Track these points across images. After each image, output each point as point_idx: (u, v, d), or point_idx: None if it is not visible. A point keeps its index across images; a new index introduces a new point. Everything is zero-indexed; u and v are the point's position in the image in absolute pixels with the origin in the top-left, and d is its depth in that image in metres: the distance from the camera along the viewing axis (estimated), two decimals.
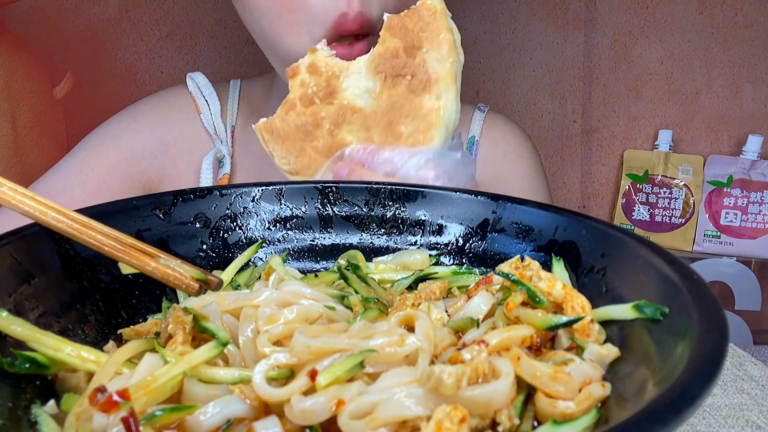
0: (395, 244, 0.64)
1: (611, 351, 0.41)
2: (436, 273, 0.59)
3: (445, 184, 0.74)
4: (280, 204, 0.65)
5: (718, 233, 1.62)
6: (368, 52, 0.83)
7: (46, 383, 0.43)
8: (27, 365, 0.42)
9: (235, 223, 0.63)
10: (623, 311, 0.43)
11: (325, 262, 0.64)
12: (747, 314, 1.59)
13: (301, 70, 0.81)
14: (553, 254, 0.52)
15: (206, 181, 1.00)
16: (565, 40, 1.49)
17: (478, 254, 0.60)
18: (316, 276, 0.59)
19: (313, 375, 0.38)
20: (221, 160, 1.04)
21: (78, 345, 0.44)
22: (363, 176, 0.75)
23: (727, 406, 0.70)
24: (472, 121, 1.13)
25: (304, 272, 0.61)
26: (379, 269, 0.61)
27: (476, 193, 0.62)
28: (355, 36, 0.86)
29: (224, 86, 1.11)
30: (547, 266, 0.54)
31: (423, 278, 0.58)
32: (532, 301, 0.45)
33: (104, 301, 0.53)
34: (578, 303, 0.44)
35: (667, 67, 1.57)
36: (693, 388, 0.28)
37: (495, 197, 0.60)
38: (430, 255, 0.62)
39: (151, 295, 0.56)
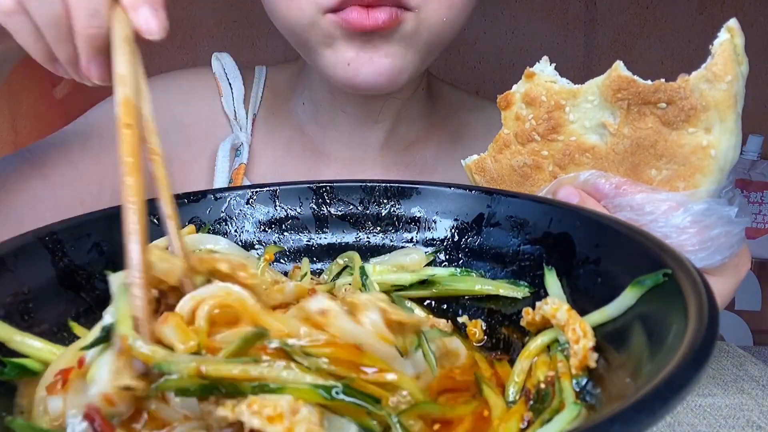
0: (391, 241, 0.64)
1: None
2: (434, 275, 0.58)
3: (707, 256, 0.58)
4: (275, 205, 0.64)
5: None
6: (391, 22, 0.72)
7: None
8: (16, 372, 0.42)
9: (230, 226, 0.63)
10: (623, 300, 0.42)
11: (321, 263, 0.64)
12: (747, 314, 1.59)
13: (516, 99, 0.66)
14: (544, 264, 0.52)
15: (222, 169, 0.94)
16: (565, 40, 1.49)
17: (474, 249, 0.59)
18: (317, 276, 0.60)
19: None
20: (238, 148, 0.97)
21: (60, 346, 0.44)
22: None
23: (727, 406, 0.70)
24: None
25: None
26: (377, 271, 0.60)
27: (470, 188, 0.61)
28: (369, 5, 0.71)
29: (249, 72, 1.04)
30: (541, 261, 0.54)
31: (423, 281, 0.58)
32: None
33: (99, 310, 0.52)
34: (580, 326, 0.43)
35: (667, 67, 1.56)
36: (679, 377, 0.28)
37: (489, 191, 0.60)
38: (426, 253, 0.61)
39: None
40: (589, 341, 0.42)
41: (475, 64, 1.51)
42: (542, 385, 0.43)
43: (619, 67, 0.61)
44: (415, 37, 0.76)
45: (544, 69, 0.65)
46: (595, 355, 0.42)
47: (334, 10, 0.73)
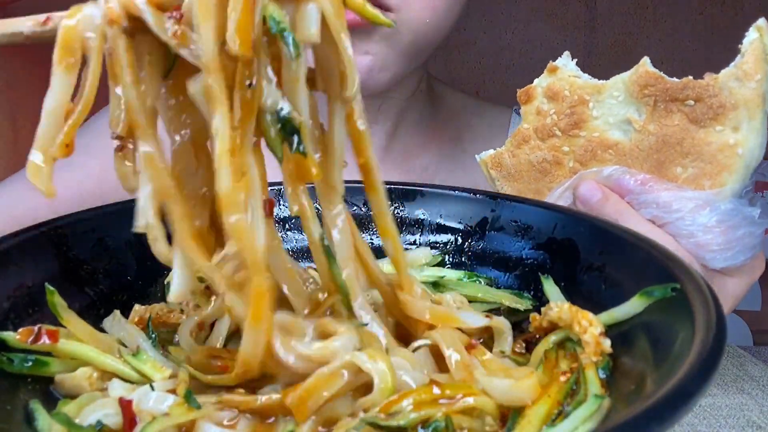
0: None
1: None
2: (444, 277, 0.58)
3: (731, 256, 0.58)
4: (279, 204, 0.64)
5: None
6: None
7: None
8: (26, 364, 0.42)
9: None
10: (629, 307, 0.43)
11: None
12: (747, 314, 1.59)
13: (537, 94, 0.65)
14: (541, 273, 0.53)
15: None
16: (565, 40, 1.49)
17: (477, 253, 0.59)
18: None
19: None
20: None
21: None
22: (620, 211, 0.59)
23: (727, 406, 0.70)
24: (511, 125, 1.06)
25: None
26: (386, 270, 0.60)
27: (475, 192, 0.61)
28: None
29: None
30: (544, 267, 0.54)
31: (432, 283, 0.58)
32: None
33: (102, 305, 0.52)
34: (584, 318, 0.44)
35: (667, 67, 1.56)
36: (689, 385, 0.28)
37: (494, 196, 0.60)
38: (434, 255, 0.61)
39: (152, 298, 0.56)
40: (597, 327, 0.42)
41: (475, 64, 1.51)
42: (566, 375, 0.42)
43: (646, 63, 0.61)
44: (396, 37, 0.76)
45: (566, 64, 0.65)
46: (608, 341, 0.42)
47: None
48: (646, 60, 0.61)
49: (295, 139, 0.39)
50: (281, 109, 0.39)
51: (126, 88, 0.39)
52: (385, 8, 0.74)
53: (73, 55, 0.39)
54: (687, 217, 0.58)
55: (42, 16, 0.41)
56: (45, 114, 0.40)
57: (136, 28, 0.39)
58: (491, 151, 0.68)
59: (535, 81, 0.65)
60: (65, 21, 0.39)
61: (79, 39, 0.39)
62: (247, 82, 0.37)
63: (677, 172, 0.60)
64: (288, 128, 0.39)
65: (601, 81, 0.63)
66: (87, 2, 0.40)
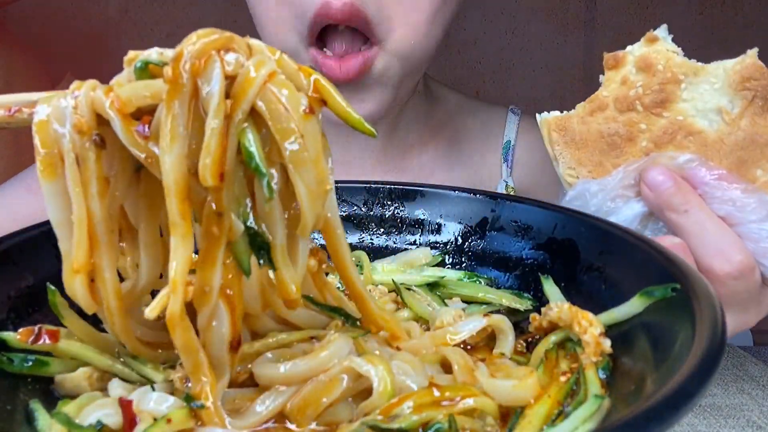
0: (395, 243, 0.64)
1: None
2: (444, 277, 0.59)
3: None
4: None
5: None
6: (363, 70, 0.74)
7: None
8: (26, 364, 0.43)
9: None
10: (629, 307, 0.43)
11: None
12: None
13: (627, 61, 0.61)
14: (541, 273, 0.53)
15: None
16: (565, 40, 1.49)
17: (477, 253, 0.60)
18: None
19: None
20: None
21: None
22: (690, 202, 0.56)
23: (727, 406, 0.70)
24: (507, 124, 1.06)
25: None
26: (386, 270, 0.60)
27: (475, 192, 0.62)
28: (345, 33, 0.76)
29: None
30: (545, 267, 0.54)
31: (432, 283, 0.58)
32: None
33: None
34: (584, 318, 0.44)
35: None
36: (689, 385, 0.28)
37: (494, 195, 0.60)
38: (434, 255, 0.61)
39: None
40: (597, 328, 0.43)
41: (475, 64, 1.51)
42: (567, 376, 0.43)
43: (754, 55, 0.58)
44: (388, 73, 0.79)
45: (666, 37, 0.61)
46: (608, 341, 0.42)
47: (314, 37, 0.76)
48: (754, 51, 0.58)
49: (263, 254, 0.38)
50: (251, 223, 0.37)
51: (90, 199, 0.38)
52: (372, 42, 0.76)
53: (54, 165, 0.38)
54: (760, 222, 0.56)
55: (13, 103, 0.40)
56: (55, 228, 0.40)
57: (107, 134, 0.37)
58: (556, 113, 0.63)
59: (628, 48, 0.62)
60: (37, 116, 0.38)
61: (55, 140, 0.38)
62: (216, 212, 0.36)
63: (757, 174, 0.58)
64: (257, 242, 0.38)
65: (700, 63, 0.60)
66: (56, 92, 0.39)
